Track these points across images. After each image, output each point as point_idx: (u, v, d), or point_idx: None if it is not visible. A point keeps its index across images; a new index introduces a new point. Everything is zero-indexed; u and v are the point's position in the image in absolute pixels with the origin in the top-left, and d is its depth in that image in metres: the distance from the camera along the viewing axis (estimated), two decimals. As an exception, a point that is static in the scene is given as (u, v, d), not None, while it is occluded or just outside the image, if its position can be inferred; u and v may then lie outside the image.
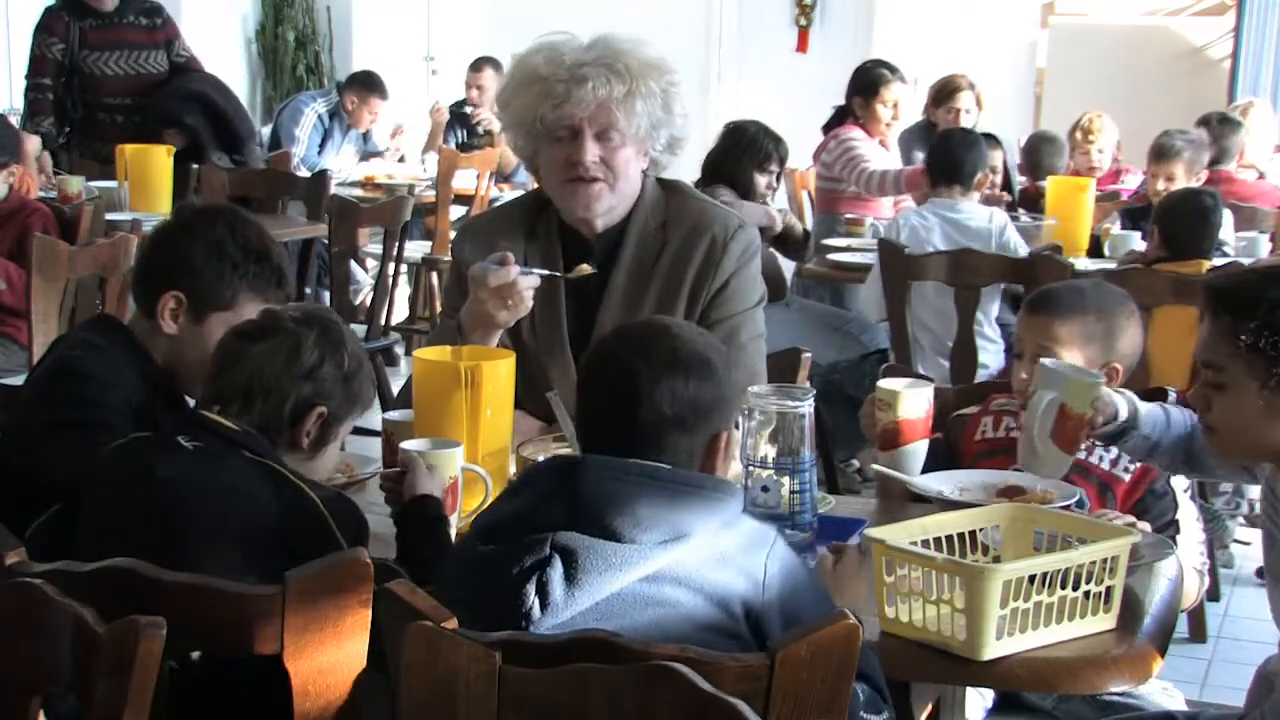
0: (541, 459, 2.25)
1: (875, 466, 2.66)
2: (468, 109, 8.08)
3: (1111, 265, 4.93)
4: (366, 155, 7.94)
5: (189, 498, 2.12)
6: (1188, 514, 2.65)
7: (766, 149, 5.27)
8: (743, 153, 5.26)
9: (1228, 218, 5.10)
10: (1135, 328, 2.81)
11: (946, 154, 5.20)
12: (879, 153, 6.35)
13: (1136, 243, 5.37)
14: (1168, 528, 2.63)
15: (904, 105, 6.48)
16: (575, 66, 2.70)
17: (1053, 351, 2.68)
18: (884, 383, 2.68)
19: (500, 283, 2.64)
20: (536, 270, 2.71)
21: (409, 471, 2.29)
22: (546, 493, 1.89)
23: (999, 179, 6.20)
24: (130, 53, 6.57)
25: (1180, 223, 4.69)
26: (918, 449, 2.63)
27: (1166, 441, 2.43)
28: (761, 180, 5.28)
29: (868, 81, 6.43)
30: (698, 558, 1.84)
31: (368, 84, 7.92)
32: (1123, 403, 2.41)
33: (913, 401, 2.64)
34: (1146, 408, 2.44)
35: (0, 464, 2.56)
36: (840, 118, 6.49)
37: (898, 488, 2.62)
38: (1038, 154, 6.78)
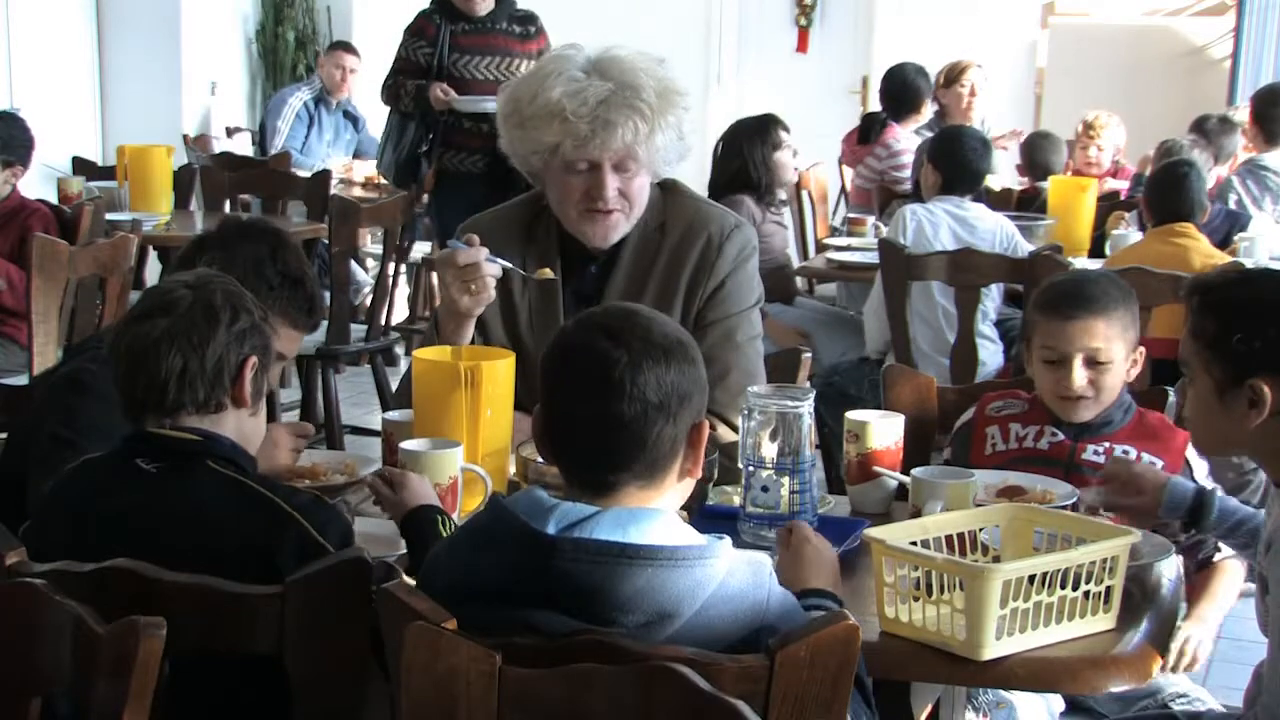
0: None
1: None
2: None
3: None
4: (359, 154, 7.90)
5: (156, 528, 2.05)
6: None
7: (764, 129, 5.41)
8: (746, 143, 5.40)
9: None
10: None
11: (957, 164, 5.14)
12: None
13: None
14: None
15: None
16: (599, 106, 2.64)
17: (1097, 352, 2.70)
18: (853, 414, 2.59)
19: (468, 261, 2.64)
20: (501, 261, 2.69)
21: (403, 483, 2.25)
22: (518, 564, 1.77)
23: None
24: (500, 59, 6.20)
25: (1160, 191, 5.00)
26: (888, 482, 2.53)
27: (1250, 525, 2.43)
28: (781, 156, 5.43)
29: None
30: (688, 640, 1.74)
31: (333, 45, 8.18)
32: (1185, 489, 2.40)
33: (883, 432, 2.55)
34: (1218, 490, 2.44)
35: (5, 467, 2.57)
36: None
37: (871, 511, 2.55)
38: (1037, 152, 6.78)
